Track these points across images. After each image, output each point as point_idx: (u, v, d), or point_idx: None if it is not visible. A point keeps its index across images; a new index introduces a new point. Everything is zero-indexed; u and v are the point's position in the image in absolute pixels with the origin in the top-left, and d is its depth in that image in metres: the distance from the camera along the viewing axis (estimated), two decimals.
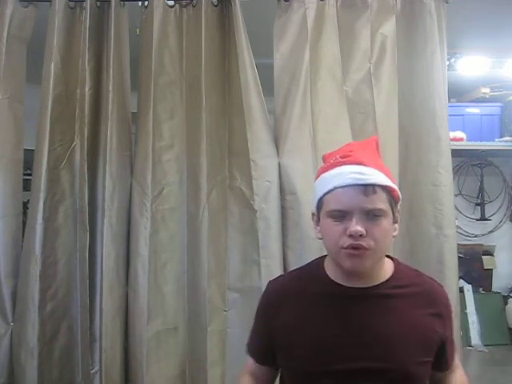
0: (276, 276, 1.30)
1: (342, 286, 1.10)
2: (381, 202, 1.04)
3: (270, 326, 1.14)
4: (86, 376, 1.76)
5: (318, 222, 1.12)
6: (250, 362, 1.23)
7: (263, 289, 1.68)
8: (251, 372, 1.23)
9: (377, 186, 1.03)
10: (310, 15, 1.82)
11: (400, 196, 1.11)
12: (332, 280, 1.11)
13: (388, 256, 1.15)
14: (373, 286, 1.09)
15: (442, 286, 1.18)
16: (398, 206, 1.11)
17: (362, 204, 1.02)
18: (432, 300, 1.12)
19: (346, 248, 1.02)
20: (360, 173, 1.04)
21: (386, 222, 1.04)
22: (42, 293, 1.74)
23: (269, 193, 1.75)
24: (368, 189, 1.02)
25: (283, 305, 1.14)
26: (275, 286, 1.22)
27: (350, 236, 1.01)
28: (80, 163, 1.79)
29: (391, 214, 1.06)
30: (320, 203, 1.09)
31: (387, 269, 1.13)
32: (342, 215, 1.03)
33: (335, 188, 1.05)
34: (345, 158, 1.09)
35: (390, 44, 1.82)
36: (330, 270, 1.12)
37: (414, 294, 1.11)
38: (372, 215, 1.02)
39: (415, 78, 1.84)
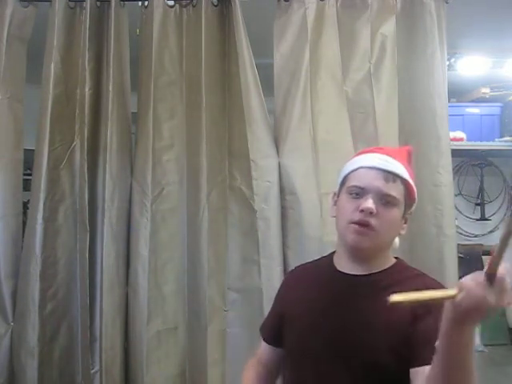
0: (277, 275, 1.38)
1: (339, 271, 1.16)
2: (397, 192, 1.10)
3: (281, 305, 1.26)
4: (86, 376, 1.76)
5: (335, 201, 1.20)
6: (261, 344, 1.31)
7: (263, 289, 1.70)
8: (260, 356, 1.29)
9: (398, 177, 1.11)
10: (309, 15, 1.82)
11: (416, 199, 1.17)
12: (334, 266, 1.18)
13: (396, 257, 1.20)
14: (366, 275, 1.13)
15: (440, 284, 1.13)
16: (413, 207, 1.18)
17: (380, 187, 1.09)
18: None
19: (354, 223, 1.08)
20: (386, 161, 1.12)
21: (396, 212, 1.11)
22: (42, 293, 1.74)
23: (269, 193, 1.75)
24: (389, 175, 1.10)
25: (293, 287, 1.25)
26: (291, 273, 1.37)
27: (361, 211, 1.07)
28: (80, 163, 1.79)
29: (403, 209, 1.13)
30: (343, 181, 1.17)
31: (387, 263, 1.17)
32: (358, 192, 1.10)
33: (360, 167, 1.13)
34: (378, 149, 1.19)
35: (390, 44, 1.82)
36: (336, 258, 1.19)
37: (398, 289, 1.05)
38: (385, 201, 1.09)
39: (415, 77, 1.84)
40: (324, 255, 1.29)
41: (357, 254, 1.14)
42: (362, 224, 1.08)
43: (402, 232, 1.17)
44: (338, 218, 1.16)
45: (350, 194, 1.12)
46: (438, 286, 1.14)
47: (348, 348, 1.07)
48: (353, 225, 1.09)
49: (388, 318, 1.05)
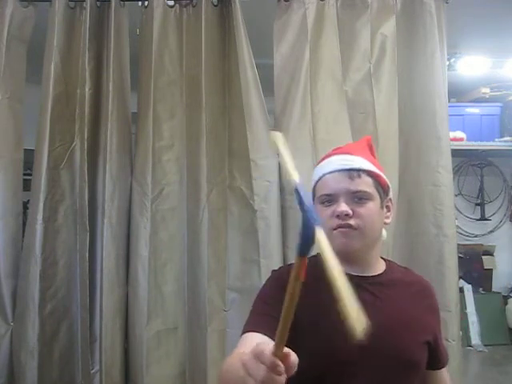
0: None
1: (346, 273, 1.13)
2: (366, 186, 1.10)
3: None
4: (86, 376, 1.76)
5: None
6: (250, 339, 1.05)
7: None
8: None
9: (361, 171, 1.10)
10: (309, 15, 1.82)
11: (389, 184, 1.17)
12: None
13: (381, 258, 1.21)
14: (373, 276, 1.14)
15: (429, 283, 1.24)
16: (390, 193, 1.17)
17: (347, 187, 1.09)
18: (424, 294, 1.18)
19: (335, 229, 1.08)
20: (346, 159, 1.12)
21: (372, 205, 1.10)
22: (42, 293, 1.74)
23: (269, 193, 1.75)
24: (352, 173, 1.10)
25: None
26: (285, 272, 1.21)
27: (338, 217, 1.07)
28: (80, 163, 1.79)
29: (378, 199, 1.12)
30: (313, 193, 1.17)
31: (381, 264, 1.18)
32: (330, 199, 1.10)
33: (324, 175, 1.13)
34: (334, 150, 1.19)
35: (390, 44, 1.82)
36: None
37: (408, 287, 1.17)
38: (358, 198, 1.09)
39: (415, 77, 1.84)
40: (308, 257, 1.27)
41: (349, 257, 1.12)
42: (343, 227, 1.08)
43: (388, 221, 1.17)
44: None
45: (323, 203, 1.12)
46: (424, 279, 1.24)
47: (384, 348, 1.07)
48: (335, 231, 1.08)
49: (414, 315, 1.10)
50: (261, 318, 1.09)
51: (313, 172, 1.22)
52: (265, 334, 1.01)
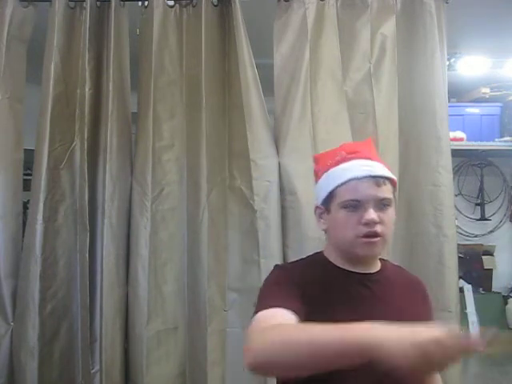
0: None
1: (350, 271, 1.17)
2: (389, 192, 1.15)
3: (302, 295, 1.09)
4: (86, 376, 1.76)
5: (321, 214, 1.20)
6: (279, 315, 1.02)
7: None
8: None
9: (385, 178, 1.14)
10: (309, 15, 1.82)
11: (397, 184, 1.22)
12: (339, 267, 1.18)
13: None
14: (372, 273, 1.18)
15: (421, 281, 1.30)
16: (396, 193, 1.22)
17: (376, 194, 1.11)
18: (419, 294, 1.24)
19: (362, 237, 1.10)
20: (371, 166, 1.14)
21: (391, 210, 1.15)
22: (42, 293, 1.74)
23: (269, 193, 1.75)
24: (379, 180, 1.13)
25: (303, 286, 1.12)
26: (291, 266, 1.27)
27: (366, 224, 1.10)
28: (80, 163, 1.79)
29: (394, 203, 1.17)
30: (331, 195, 1.15)
31: (378, 262, 1.23)
32: (356, 205, 1.11)
33: (350, 180, 1.13)
34: (352, 154, 1.18)
35: (390, 44, 1.82)
36: (333, 259, 1.19)
37: (402, 285, 1.22)
38: (382, 204, 1.12)
39: (415, 77, 1.84)
40: (304, 257, 1.27)
41: (366, 260, 1.17)
42: (371, 235, 1.10)
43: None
44: (336, 232, 1.15)
45: (347, 208, 1.12)
46: (416, 278, 1.30)
47: None
48: (361, 239, 1.11)
49: (411, 314, 1.10)
50: (282, 296, 1.07)
51: (328, 173, 1.18)
52: (292, 310, 1.01)
